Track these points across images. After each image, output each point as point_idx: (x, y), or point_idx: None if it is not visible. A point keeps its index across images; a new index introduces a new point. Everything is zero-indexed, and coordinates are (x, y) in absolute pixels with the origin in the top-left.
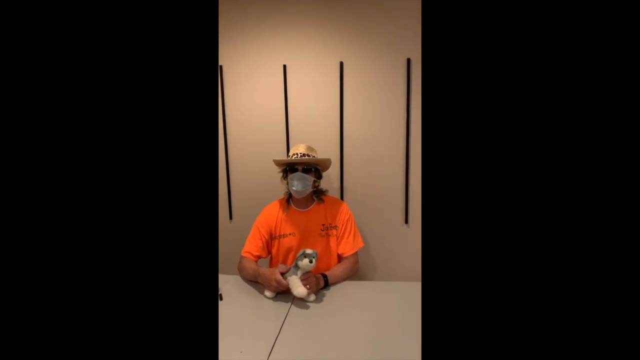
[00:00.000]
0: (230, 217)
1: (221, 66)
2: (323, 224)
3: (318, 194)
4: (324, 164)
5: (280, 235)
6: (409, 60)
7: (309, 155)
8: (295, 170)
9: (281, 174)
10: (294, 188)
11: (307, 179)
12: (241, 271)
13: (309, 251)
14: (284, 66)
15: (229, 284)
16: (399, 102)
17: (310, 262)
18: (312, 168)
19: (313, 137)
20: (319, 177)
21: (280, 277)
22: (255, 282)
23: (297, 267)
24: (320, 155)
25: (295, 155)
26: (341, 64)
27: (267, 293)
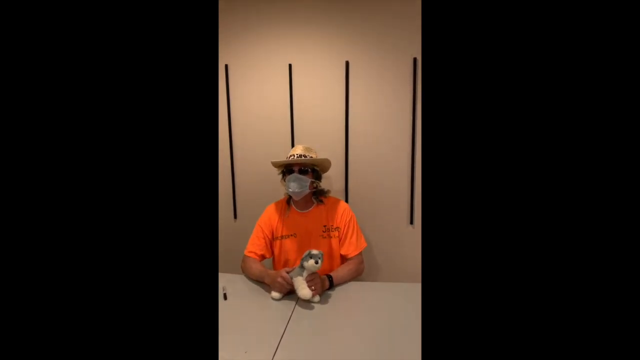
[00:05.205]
0: (235, 217)
1: (226, 65)
2: (324, 225)
3: (317, 195)
4: (322, 165)
5: (281, 236)
6: (415, 60)
7: (305, 156)
8: (292, 172)
9: (280, 176)
10: (290, 189)
11: (303, 179)
12: (246, 271)
13: (314, 252)
14: (290, 65)
15: (233, 283)
16: (405, 102)
17: (316, 262)
18: (309, 169)
19: (318, 137)
20: (317, 177)
21: (285, 274)
22: (262, 282)
23: (302, 267)
24: (324, 155)
25: (293, 157)
26: (347, 63)
27: (274, 294)
